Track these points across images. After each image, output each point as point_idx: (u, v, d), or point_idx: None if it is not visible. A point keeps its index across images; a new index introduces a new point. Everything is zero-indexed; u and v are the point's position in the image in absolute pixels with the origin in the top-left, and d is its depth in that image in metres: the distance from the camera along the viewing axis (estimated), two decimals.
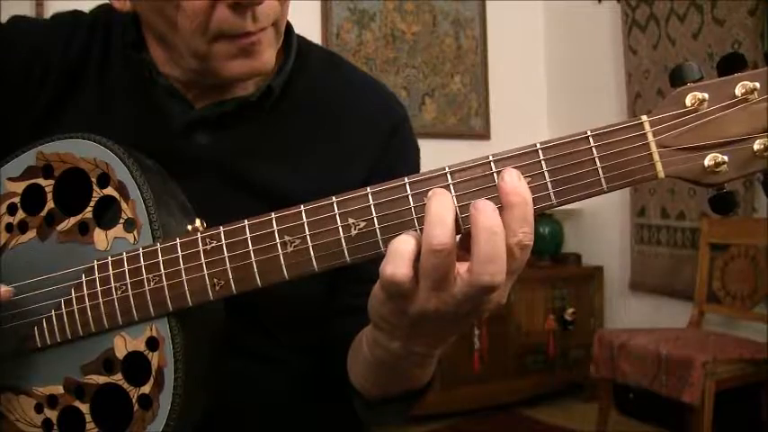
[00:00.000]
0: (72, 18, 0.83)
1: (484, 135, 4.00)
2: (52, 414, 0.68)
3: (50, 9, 2.97)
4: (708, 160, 0.54)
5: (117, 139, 0.70)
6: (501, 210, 0.52)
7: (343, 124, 0.82)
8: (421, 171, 0.87)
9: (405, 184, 0.57)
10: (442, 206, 0.52)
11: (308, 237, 0.59)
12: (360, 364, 0.70)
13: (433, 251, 0.51)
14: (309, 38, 0.88)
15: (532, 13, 4.14)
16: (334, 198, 0.58)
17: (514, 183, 0.52)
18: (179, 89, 0.78)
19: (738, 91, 0.54)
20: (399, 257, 0.53)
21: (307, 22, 3.47)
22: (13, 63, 0.78)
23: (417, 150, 0.89)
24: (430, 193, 0.54)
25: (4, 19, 0.82)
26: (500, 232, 0.51)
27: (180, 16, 0.68)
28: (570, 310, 3.64)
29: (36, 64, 0.78)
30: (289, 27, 0.81)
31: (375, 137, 0.83)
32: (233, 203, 0.76)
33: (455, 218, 0.52)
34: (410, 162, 0.87)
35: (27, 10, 2.94)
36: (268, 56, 0.72)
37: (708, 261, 3.06)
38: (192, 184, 0.72)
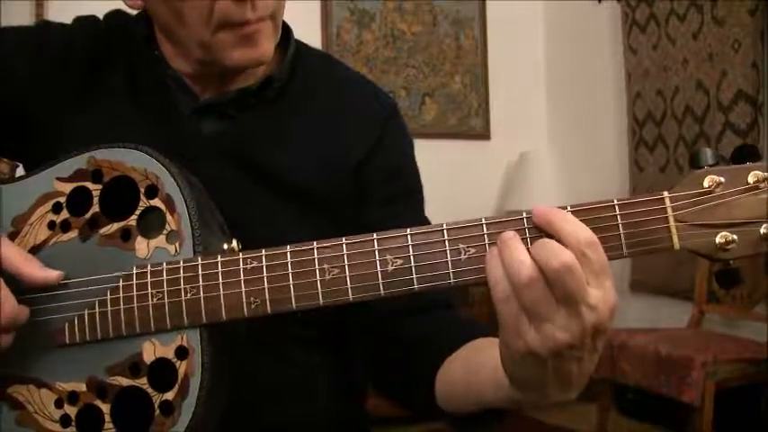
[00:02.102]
0: (93, 19, 0.91)
1: (484, 135, 4.00)
2: (71, 410, 0.69)
3: (50, 9, 2.97)
4: (719, 238, 0.60)
5: (140, 132, 0.76)
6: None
7: (339, 119, 0.88)
8: (417, 167, 0.95)
9: (443, 230, 0.62)
10: (514, 252, 0.57)
11: (346, 267, 0.63)
12: (464, 402, 0.75)
13: (525, 285, 0.56)
14: (309, 38, 0.96)
15: (532, 13, 4.14)
16: (374, 235, 0.63)
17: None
18: (187, 83, 0.85)
19: (751, 179, 0.60)
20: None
21: (307, 22, 3.47)
22: (51, 60, 0.86)
23: (410, 139, 0.95)
24: (500, 243, 0.58)
25: (4, 19, 0.87)
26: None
27: (186, 7, 0.75)
28: None
29: (67, 60, 0.86)
30: (288, 28, 0.89)
31: (370, 124, 0.89)
32: (239, 185, 0.83)
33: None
34: (406, 148, 0.93)
35: (27, 10, 2.94)
36: (267, 46, 0.80)
37: (708, 261, 3.05)
38: (201, 170, 0.77)
